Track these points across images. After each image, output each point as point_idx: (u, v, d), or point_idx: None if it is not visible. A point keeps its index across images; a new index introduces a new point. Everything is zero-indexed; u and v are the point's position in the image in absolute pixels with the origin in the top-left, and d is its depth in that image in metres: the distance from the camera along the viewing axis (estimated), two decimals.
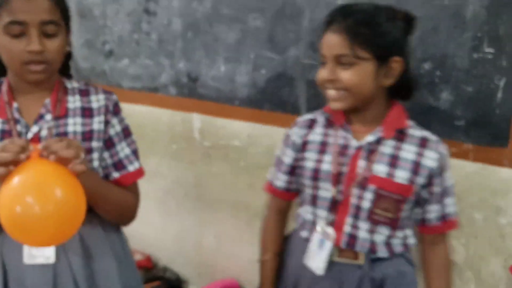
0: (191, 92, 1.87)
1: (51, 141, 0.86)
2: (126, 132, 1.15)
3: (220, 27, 1.71)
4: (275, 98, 1.64)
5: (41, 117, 1.04)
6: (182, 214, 2.08)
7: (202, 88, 1.83)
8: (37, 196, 0.77)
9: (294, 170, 1.17)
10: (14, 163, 0.83)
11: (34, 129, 1.03)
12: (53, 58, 1.00)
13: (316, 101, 1.55)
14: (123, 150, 1.13)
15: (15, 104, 1.03)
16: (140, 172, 1.16)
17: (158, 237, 2.15)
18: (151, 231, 2.12)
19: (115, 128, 1.12)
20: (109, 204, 1.08)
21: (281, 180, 1.21)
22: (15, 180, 0.79)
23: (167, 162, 2.07)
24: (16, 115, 1.03)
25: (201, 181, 1.99)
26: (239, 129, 1.79)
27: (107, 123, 1.10)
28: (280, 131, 1.67)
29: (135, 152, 1.16)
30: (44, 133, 1.03)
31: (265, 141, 1.73)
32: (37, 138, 1.03)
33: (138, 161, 1.16)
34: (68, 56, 1.12)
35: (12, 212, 0.77)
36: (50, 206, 0.78)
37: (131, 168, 1.13)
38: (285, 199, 1.24)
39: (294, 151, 1.16)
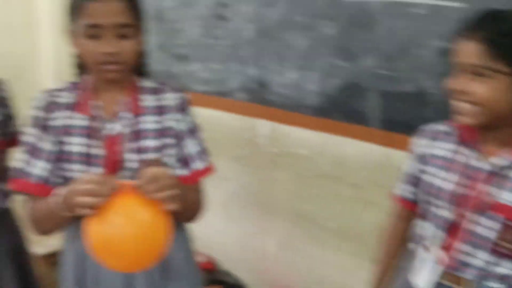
0: (259, 98, 1.87)
1: (145, 181, 0.89)
2: (194, 130, 1.17)
3: (292, 34, 1.69)
4: (346, 108, 1.60)
5: (118, 115, 1.09)
6: (245, 219, 2.08)
7: (271, 95, 1.82)
8: (126, 222, 0.82)
9: (416, 181, 1.12)
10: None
11: (114, 126, 1.08)
12: (127, 58, 1.04)
13: (390, 113, 1.49)
14: (192, 147, 1.15)
15: (96, 102, 1.09)
16: (209, 169, 1.18)
17: (221, 241, 2.17)
18: (214, 234, 2.15)
19: (184, 125, 1.15)
20: (183, 203, 1.11)
21: (404, 190, 1.17)
22: (106, 208, 0.83)
23: (232, 167, 2.08)
24: (98, 113, 1.08)
25: (265, 188, 1.98)
26: (307, 138, 1.76)
27: (177, 120, 1.13)
28: (350, 142, 1.63)
29: (203, 150, 1.18)
30: (122, 130, 1.08)
31: (333, 151, 1.69)
32: (115, 134, 1.08)
33: (207, 158, 1.18)
34: (143, 55, 1.16)
35: (101, 237, 0.82)
36: (138, 230, 0.82)
37: (200, 165, 1.15)
38: (408, 208, 1.18)
39: (417, 162, 1.11)
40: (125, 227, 0.81)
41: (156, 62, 2.25)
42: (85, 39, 1.02)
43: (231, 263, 2.15)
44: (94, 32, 1.00)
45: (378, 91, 1.50)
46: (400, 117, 1.47)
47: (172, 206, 0.89)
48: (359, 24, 1.50)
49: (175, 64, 2.17)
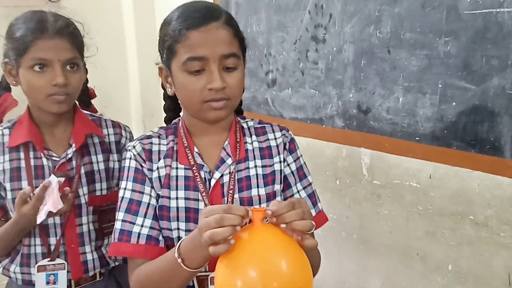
0: (360, 125, 1.71)
1: (283, 207, 0.74)
2: (301, 172, 1.04)
3: (400, 53, 1.53)
4: (469, 136, 1.39)
5: (222, 161, 0.97)
6: (343, 255, 1.91)
7: (374, 121, 1.65)
8: (262, 271, 0.67)
9: None
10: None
11: (216, 175, 0.96)
12: (233, 93, 0.93)
13: None
14: (299, 192, 1.01)
15: (196, 149, 0.97)
16: (320, 218, 1.05)
17: (317, 278, 2.01)
18: None
19: (290, 167, 1.02)
20: None
21: None
22: (238, 250, 0.69)
23: (327, 199, 1.92)
24: (199, 161, 0.96)
25: (366, 222, 1.80)
26: (418, 169, 1.57)
27: (283, 162, 1.01)
28: (474, 175, 1.41)
29: (312, 195, 1.04)
30: (226, 179, 0.96)
31: (452, 184, 1.48)
32: (219, 184, 0.95)
33: (317, 205, 1.05)
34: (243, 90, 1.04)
35: (232, 286, 0.68)
36: (275, 283, 0.66)
37: (313, 212, 1.01)
38: None
39: None
40: (258, 280, 0.66)
41: (245, 89, 2.18)
42: (186, 74, 0.90)
43: None
44: (197, 65, 0.89)
45: (511, 115, 1.29)
46: None
47: (312, 243, 0.74)
48: (486, 38, 1.31)
49: (266, 90, 2.08)
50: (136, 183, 0.95)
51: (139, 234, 0.92)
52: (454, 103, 1.41)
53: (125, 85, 2.73)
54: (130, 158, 0.96)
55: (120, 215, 0.94)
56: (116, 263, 1.28)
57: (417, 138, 1.53)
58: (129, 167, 0.96)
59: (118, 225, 0.93)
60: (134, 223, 0.93)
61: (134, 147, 0.97)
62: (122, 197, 0.95)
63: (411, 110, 1.53)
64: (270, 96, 2.06)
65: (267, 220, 0.74)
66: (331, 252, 1.95)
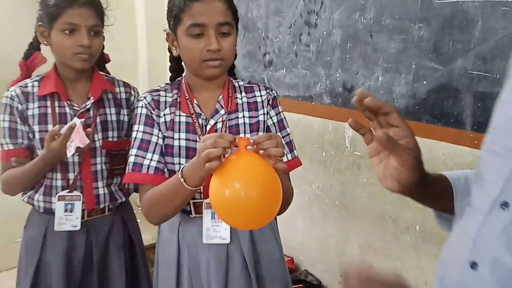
0: (345, 102, 1.91)
1: (262, 137, 0.93)
2: (281, 124, 1.23)
3: (381, 37, 1.72)
4: (437, 111, 1.59)
5: (216, 111, 1.17)
6: (326, 221, 2.11)
7: None
8: (244, 183, 0.86)
9: None
10: (224, 155, 0.92)
11: (211, 122, 1.16)
12: (228, 55, 1.12)
13: (485, 114, 1.46)
14: None
15: (195, 101, 1.18)
16: (295, 162, 1.23)
17: (302, 241, 2.22)
18: (295, 235, 2.19)
19: (272, 119, 1.22)
20: None
21: None
22: (226, 168, 0.89)
23: (314, 169, 2.13)
24: (198, 110, 1.17)
25: (347, 190, 2.00)
26: None
27: (266, 114, 1.20)
28: (439, 145, 1.62)
29: (289, 143, 1.23)
30: (219, 125, 1.16)
31: (422, 154, 1.68)
32: (213, 130, 1.16)
33: (293, 151, 1.23)
34: (236, 56, 1.23)
35: (222, 195, 0.87)
36: (254, 192, 0.86)
37: (284, 158, 1.18)
38: None
39: None
40: (241, 190, 0.86)
41: (244, 68, 2.38)
42: (189, 38, 1.09)
43: (312, 263, 2.18)
44: (197, 31, 1.08)
45: (472, 93, 1.48)
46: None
47: (283, 166, 0.92)
48: (453, 25, 1.50)
49: (262, 70, 2.28)
50: (147, 126, 1.14)
51: (148, 166, 1.12)
52: (425, 82, 1.61)
53: (134, 65, 2.94)
54: (142, 107, 1.16)
55: (133, 151, 1.13)
56: (123, 199, 1.51)
57: None
58: (140, 113, 1.16)
59: (131, 159, 1.13)
60: (144, 158, 1.12)
61: (145, 97, 1.18)
62: (135, 137, 1.14)
63: (389, 88, 1.72)
64: (267, 76, 2.25)
65: (250, 148, 0.94)
66: (316, 217, 2.15)
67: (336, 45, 1.90)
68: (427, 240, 1.71)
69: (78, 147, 1.31)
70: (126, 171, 1.13)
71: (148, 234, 2.37)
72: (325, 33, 1.93)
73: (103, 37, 1.44)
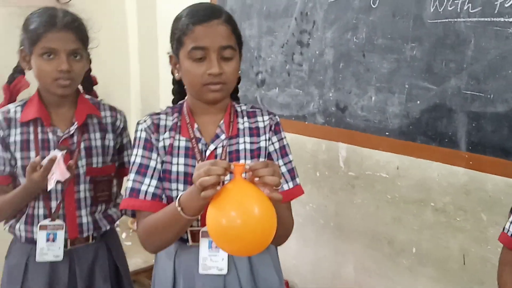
0: (338, 121, 1.89)
1: (258, 164, 0.91)
2: (283, 151, 1.20)
3: (374, 57, 1.71)
4: (430, 131, 1.57)
5: (217, 136, 1.14)
6: (320, 242, 2.07)
7: (350, 118, 1.83)
8: (240, 212, 0.87)
9: None
10: (219, 183, 0.90)
11: (211, 147, 1.13)
12: (229, 79, 1.10)
13: (478, 134, 1.45)
14: (280, 167, 1.17)
15: (196, 125, 1.15)
16: (297, 190, 1.19)
17: (295, 263, 2.17)
18: (288, 256, 2.15)
19: (274, 145, 1.18)
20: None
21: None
22: (223, 197, 0.89)
23: (308, 189, 2.09)
24: (197, 135, 1.14)
25: (341, 211, 1.97)
26: (387, 160, 1.75)
27: (268, 140, 1.17)
28: (434, 166, 1.60)
29: (291, 170, 1.20)
30: (219, 150, 1.13)
31: (416, 175, 1.66)
32: (213, 155, 1.13)
33: (295, 179, 1.20)
34: (238, 80, 1.21)
35: (219, 224, 0.87)
36: (250, 221, 0.86)
37: (286, 186, 1.17)
38: None
39: None
40: (237, 218, 0.86)
41: None
42: (190, 61, 1.07)
43: (305, 285, 2.13)
44: (199, 54, 1.06)
45: (466, 113, 1.47)
46: (489, 138, 1.43)
47: (278, 196, 0.90)
48: (445, 45, 1.50)
49: (255, 89, 2.26)
50: (145, 150, 1.12)
51: (146, 191, 1.09)
52: (418, 102, 1.60)
53: (126, 83, 2.91)
54: (141, 130, 1.14)
55: (131, 175, 1.11)
56: (108, 227, 1.47)
57: (386, 133, 1.71)
58: (140, 137, 1.14)
59: (129, 184, 1.11)
60: (142, 183, 1.09)
61: (145, 121, 1.15)
62: (134, 162, 1.12)
63: (382, 108, 1.71)
64: (259, 95, 2.24)
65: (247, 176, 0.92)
66: (310, 238, 2.11)
67: (328, 64, 1.89)
68: (423, 262, 1.67)
69: (58, 180, 1.28)
70: (124, 196, 1.11)
71: (139, 258, 2.32)
72: (317, 52, 1.93)
73: (89, 60, 1.42)
